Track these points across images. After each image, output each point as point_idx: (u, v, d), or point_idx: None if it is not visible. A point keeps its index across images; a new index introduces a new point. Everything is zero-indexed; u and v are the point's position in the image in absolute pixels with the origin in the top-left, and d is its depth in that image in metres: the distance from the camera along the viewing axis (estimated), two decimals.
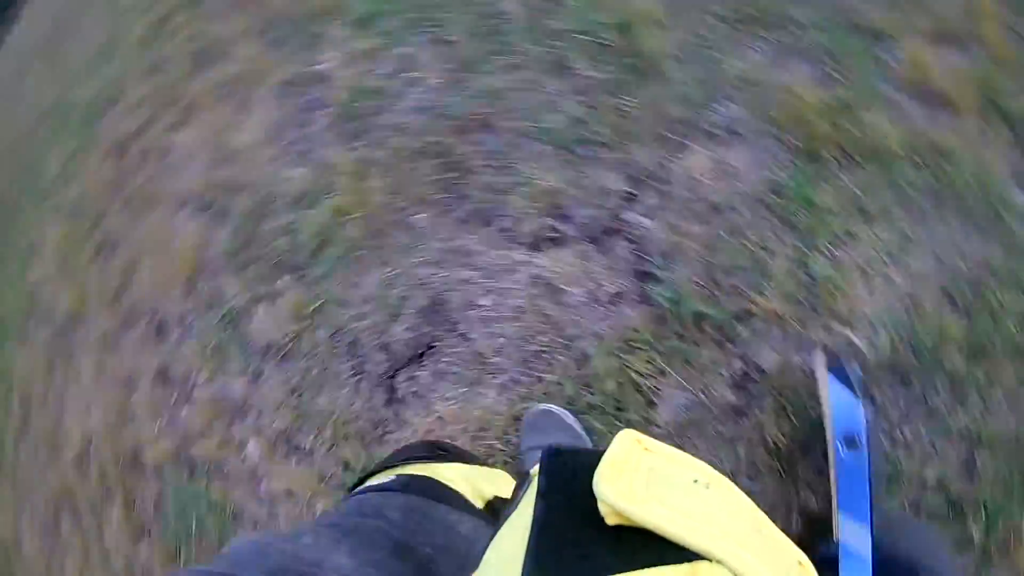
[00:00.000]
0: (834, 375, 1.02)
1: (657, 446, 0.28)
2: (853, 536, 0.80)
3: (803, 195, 1.31)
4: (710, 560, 0.23)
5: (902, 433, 1.12)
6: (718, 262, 1.27)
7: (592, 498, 0.25)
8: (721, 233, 1.29)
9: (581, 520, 0.26)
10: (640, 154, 1.42)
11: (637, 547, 0.24)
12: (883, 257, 1.25)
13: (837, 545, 0.79)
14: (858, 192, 1.30)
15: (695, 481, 0.26)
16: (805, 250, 1.26)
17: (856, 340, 1.17)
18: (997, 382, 1.14)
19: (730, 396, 1.18)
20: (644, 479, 0.25)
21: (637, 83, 1.51)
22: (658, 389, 1.19)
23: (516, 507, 0.31)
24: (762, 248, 1.26)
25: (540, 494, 0.28)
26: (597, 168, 1.42)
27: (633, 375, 1.21)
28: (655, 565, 0.23)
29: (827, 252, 1.25)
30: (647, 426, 1.16)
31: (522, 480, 0.35)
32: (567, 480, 0.28)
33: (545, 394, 1.23)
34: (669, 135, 1.43)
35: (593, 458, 0.27)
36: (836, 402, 0.97)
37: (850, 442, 0.91)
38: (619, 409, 1.19)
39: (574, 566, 0.24)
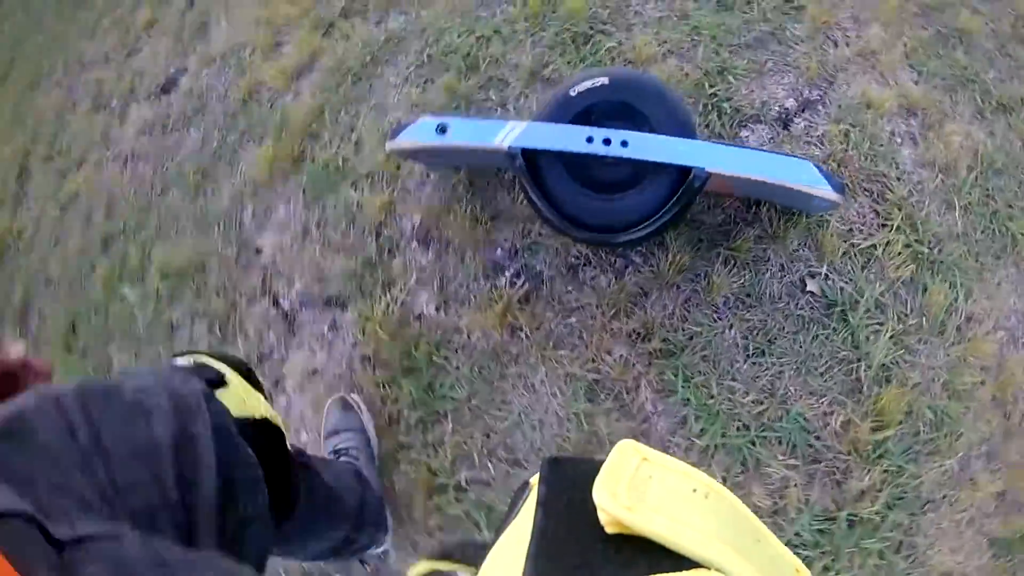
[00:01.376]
0: None
1: (656, 456, 0.29)
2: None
3: None
4: (709, 569, 0.24)
5: None
6: None
7: (591, 507, 0.27)
8: None
9: (580, 529, 0.27)
10: None
11: (636, 556, 0.25)
12: None
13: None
14: None
15: (694, 490, 0.27)
16: None
17: None
18: None
19: None
20: (643, 488, 0.27)
21: None
22: None
23: (515, 515, 0.33)
24: None
25: (540, 503, 0.30)
26: None
27: None
28: (654, 574, 0.24)
29: None
30: None
31: (521, 488, 0.37)
32: (566, 489, 0.29)
33: None
34: None
35: (592, 467, 0.28)
36: None
37: None
38: None
39: (574, 574, 0.26)
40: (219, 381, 0.66)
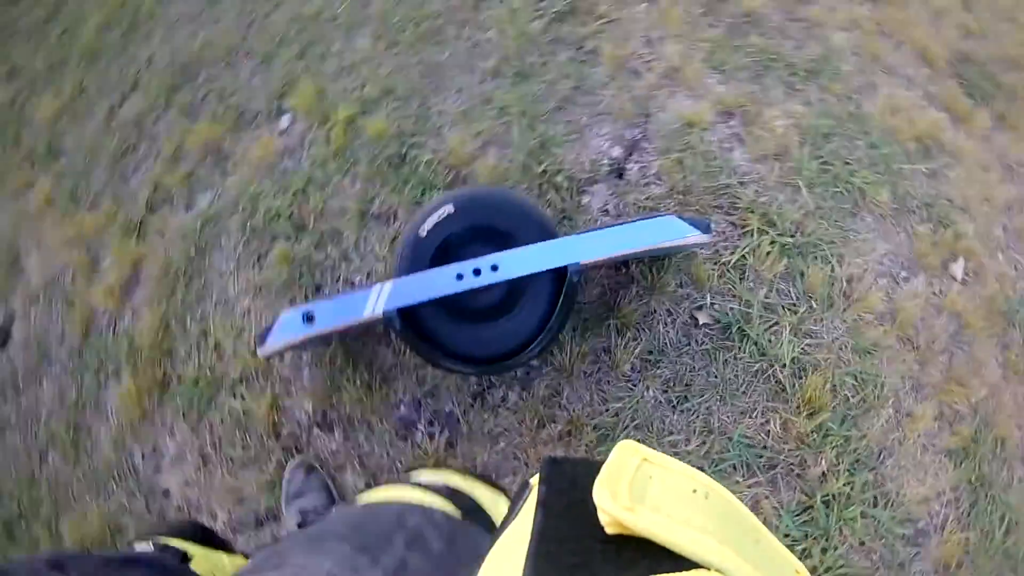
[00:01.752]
0: None
1: (657, 456, 0.29)
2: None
3: None
4: (708, 569, 0.24)
5: None
6: None
7: (592, 507, 0.27)
8: None
9: (580, 529, 0.27)
10: None
11: (636, 556, 0.26)
12: None
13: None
14: None
15: (694, 491, 0.28)
16: None
17: None
18: None
19: None
20: (643, 488, 0.27)
21: None
22: None
23: (515, 516, 0.33)
24: None
25: (540, 502, 0.30)
26: None
27: None
28: (654, 574, 0.24)
29: None
30: None
31: (521, 489, 0.37)
32: (567, 489, 0.30)
33: None
34: None
35: (593, 467, 0.28)
36: None
37: None
38: None
39: (573, 575, 0.26)
40: (184, 558, 0.74)
